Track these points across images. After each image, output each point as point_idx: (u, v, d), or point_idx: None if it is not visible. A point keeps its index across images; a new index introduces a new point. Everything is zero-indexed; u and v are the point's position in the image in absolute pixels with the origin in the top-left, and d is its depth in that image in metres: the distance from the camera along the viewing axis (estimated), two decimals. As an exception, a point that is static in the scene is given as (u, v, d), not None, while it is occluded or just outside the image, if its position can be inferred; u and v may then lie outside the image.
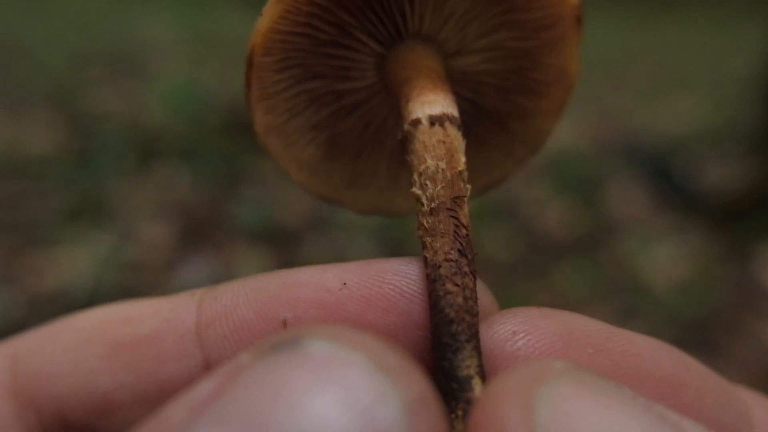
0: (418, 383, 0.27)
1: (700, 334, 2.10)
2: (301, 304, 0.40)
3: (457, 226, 0.40)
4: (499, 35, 0.46)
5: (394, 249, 2.30)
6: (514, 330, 0.38)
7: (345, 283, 0.40)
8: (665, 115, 4.10)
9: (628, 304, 2.23)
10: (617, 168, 3.21)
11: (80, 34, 4.71)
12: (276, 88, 0.42)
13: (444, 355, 0.36)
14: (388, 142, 0.49)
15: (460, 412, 0.35)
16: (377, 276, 0.40)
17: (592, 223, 2.74)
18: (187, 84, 3.45)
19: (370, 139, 0.48)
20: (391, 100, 0.46)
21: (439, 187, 0.40)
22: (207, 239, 2.42)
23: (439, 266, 0.38)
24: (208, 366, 0.42)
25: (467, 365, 0.36)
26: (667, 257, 2.51)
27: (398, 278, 0.40)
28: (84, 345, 0.43)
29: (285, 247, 2.41)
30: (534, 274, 2.38)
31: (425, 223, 0.40)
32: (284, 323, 0.40)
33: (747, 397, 0.42)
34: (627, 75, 5.18)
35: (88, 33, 4.72)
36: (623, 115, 4.15)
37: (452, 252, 0.39)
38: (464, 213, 0.40)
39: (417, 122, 0.41)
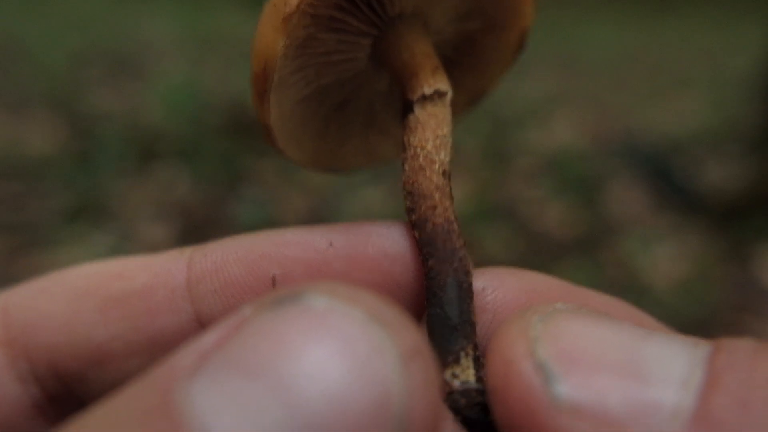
0: (412, 335, 0.28)
1: (700, 334, 2.09)
2: (289, 262, 0.42)
3: (452, 197, 0.43)
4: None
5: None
6: (483, 286, 0.41)
7: (331, 243, 0.42)
8: (665, 115, 4.10)
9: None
10: (617, 168, 3.21)
11: (80, 34, 4.71)
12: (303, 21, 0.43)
13: (464, 299, 0.39)
14: (361, 105, 0.51)
15: (471, 351, 0.38)
16: (362, 237, 0.42)
17: (592, 223, 2.75)
18: (187, 84, 3.45)
19: (345, 103, 0.50)
20: (381, 65, 0.48)
21: (448, 158, 0.44)
22: (207, 239, 2.41)
23: (453, 222, 0.41)
24: (198, 320, 0.43)
25: (474, 312, 0.40)
26: (667, 257, 2.51)
27: (381, 240, 0.42)
28: (76, 298, 0.44)
29: (285, 247, 2.41)
30: (534, 274, 2.38)
31: (436, 180, 0.43)
32: (273, 280, 0.42)
33: None
34: (627, 75, 5.19)
35: (88, 33, 4.72)
36: (623, 115, 4.15)
37: (455, 215, 0.42)
38: None
39: (444, 94, 0.45)
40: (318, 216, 2.58)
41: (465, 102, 0.54)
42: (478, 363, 0.38)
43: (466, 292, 0.40)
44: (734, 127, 3.57)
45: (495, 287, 0.41)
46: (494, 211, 2.72)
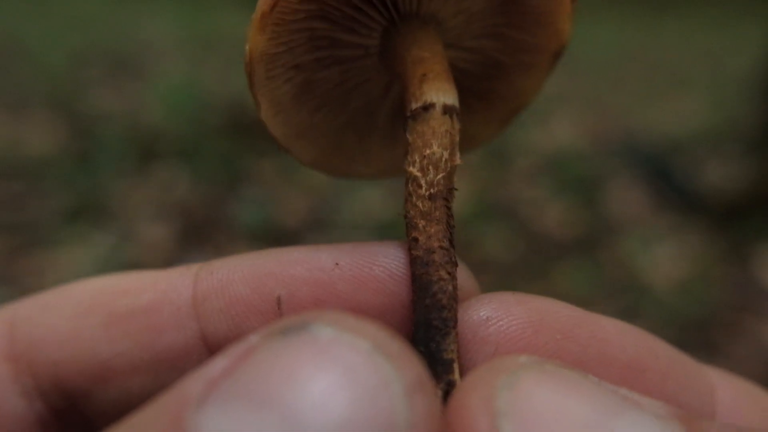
0: (416, 368, 0.28)
1: (700, 334, 2.10)
2: (295, 281, 0.42)
3: (449, 216, 0.41)
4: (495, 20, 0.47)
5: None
6: (487, 316, 0.40)
7: (337, 264, 0.42)
8: (665, 115, 4.10)
9: (628, 304, 2.23)
10: (617, 168, 3.21)
11: (80, 34, 4.71)
12: (291, 16, 0.42)
13: (432, 337, 0.38)
14: (353, 104, 0.49)
15: (440, 392, 0.37)
16: (368, 258, 0.42)
17: (592, 223, 2.74)
18: (186, 84, 3.45)
19: (338, 97, 0.48)
20: (386, 68, 0.46)
21: (440, 175, 0.41)
22: (207, 239, 2.42)
23: (433, 252, 0.40)
24: (203, 338, 0.43)
25: (452, 349, 0.38)
26: (667, 257, 2.51)
27: (388, 260, 0.42)
28: (82, 314, 0.44)
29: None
30: (534, 274, 2.38)
31: (421, 206, 0.41)
32: (278, 300, 0.42)
33: (714, 377, 0.44)
34: (627, 75, 5.18)
35: (88, 33, 4.72)
36: (623, 115, 4.15)
37: (445, 240, 0.40)
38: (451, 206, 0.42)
39: (431, 106, 0.42)
40: (318, 216, 2.58)
41: (500, 119, 0.52)
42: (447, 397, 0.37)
43: (435, 330, 0.38)
44: (734, 127, 3.57)
45: (499, 318, 0.40)
46: (494, 211, 2.72)
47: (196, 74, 3.82)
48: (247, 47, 0.41)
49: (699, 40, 6.46)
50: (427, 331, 0.38)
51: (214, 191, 2.70)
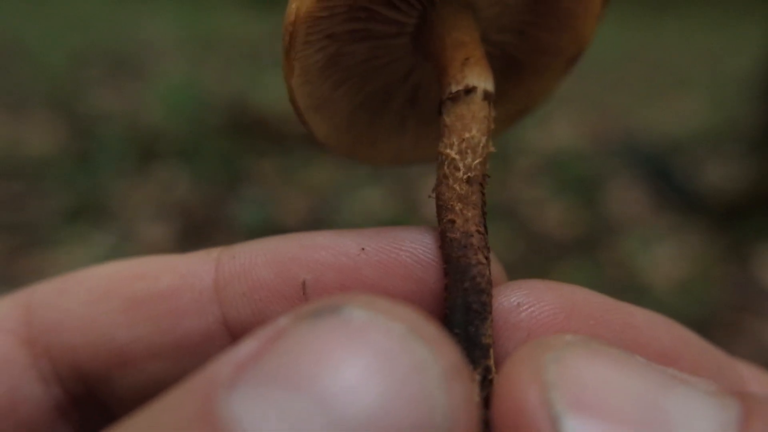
0: (453, 353, 0.28)
1: (700, 334, 2.09)
2: (320, 266, 0.41)
3: (483, 202, 0.41)
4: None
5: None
6: (518, 302, 0.39)
7: (363, 249, 0.41)
8: (665, 115, 4.10)
9: (628, 304, 2.23)
10: (617, 168, 3.21)
11: (80, 34, 4.71)
12: None
13: (471, 321, 0.37)
14: (373, 84, 0.49)
15: (478, 377, 0.36)
16: (394, 243, 0.41)
17: (592, 223, 2.74)
18: (187, 84, 3.45)
19: (362, 74, 0.48)
20: (419, 48, 0.45)
21: (478, 160, 0.41)
22: (207, 239, 2.42)
23: (471, 235, 0.39)
24: (226, 323, 0.42)
25: (489, 334, 0.37)
26: (667, 257, 2.51)
27: (415, 246, 0.41)
28: (100, 298, 0.43)
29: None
30: (534, 274, 2.37)
31: (459, 189, 0.40)
32: (303, 285, 0.41)
33: (744, 371, 0.43)
34: (627, 75, 5.18)
35: (88, 33, 4.72)
36: (623, 115, 4.15)
37: (481, 225, 0.40)
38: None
39: (473, 90, 0.42)
40: (318, 216, 2.58)
41: (504, 119, 0.51)
42: (485, 385, 0.36)
43: (475, 314, 0.37)
44: (734, 127, 3.57)
45: (531, 303, 0.39)
46: (494, 211, 2.72)
47: (196, 74, 3.82)
48: (293, 5, 0.40)
49: (699, 40, 6.46)
50: (466, 314, 0.38)
51: (214, 191, 2.70)
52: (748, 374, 0.43)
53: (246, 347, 0.27)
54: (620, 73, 5.19)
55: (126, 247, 2.28)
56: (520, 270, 2.39)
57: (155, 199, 2.61)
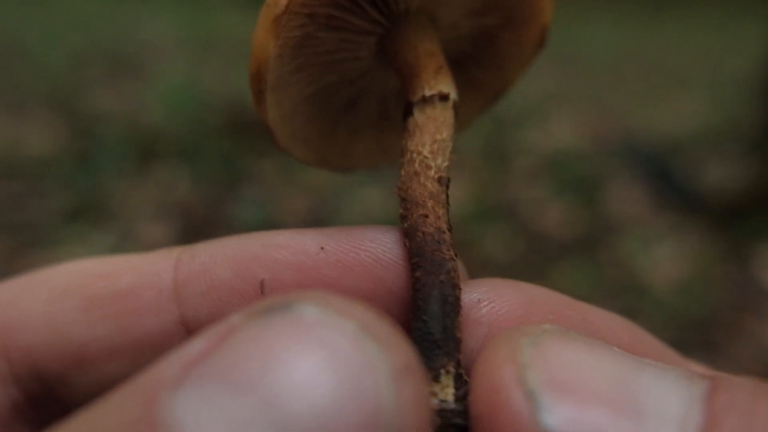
0: (404, 352, 0.27)
1: (700, 334, 2.10)
2: (279, 265, 0.41)
3: (447, 204, 0.42)
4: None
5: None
6: (479, 298, 0.39)
7: (323, 248, 0.41)
8: (665, 115, 4.10)
9: (628, 304, 2.23)
10: (617, 168, 3.21)
11: (80, 34, 4.72)
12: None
13: (448, 314, 0.38)
14: (331, 78, 0.49)
15: (452, 369, 0.37)
16: (354, 242, 0.41)
17: (592, 223, 2.74)
18: (186, 84, 3.45)
19: (324, 63, 0.48)
20: (388, 51, 0.46)
21: (446, 163, 0.42)
22: (207, 239, 2.42)
23: (444, 231, 0.40)
24: (184, 322, 0.42)
25: (461, 328, 0.38)
26: (667, 257, 2.51)
27: (375, 245, 0.41)
28: (59, 297, 0.43)
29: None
30: (534, 274, 2.38)
31: (431, 187, 0.41)
32: (262, 284, 0.41)
33: (701, 372, 0.44)
34: (626, 75, 5.19)
35: (88, 33, 4.72)
36: (623, 115, 4.15)
37: (449, 224, 0.41)
38: None
39: (445, 96, 0.43)
40: (318, 216, 2.58)
41: (484, 101, 0.53)
42: (460, 380, 0.36)
43: (451, 307, 0.38)
44: (734, 127, 3.57)
45: (491, 299, 0.39)
46: (494, 211, 2.72)
47: (196, 74, 3.82)
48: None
49: (699, 40, 6.46)
50: (444, 307, 0.38)
51: (214, 191, 2.70)
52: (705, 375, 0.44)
53: (195, 346, 0.27)
54: (620, 73, 5.20)
55: (126, 247, 2.28)
56: (520, 270, 2.39)
57: (155, 199, 2.61)
